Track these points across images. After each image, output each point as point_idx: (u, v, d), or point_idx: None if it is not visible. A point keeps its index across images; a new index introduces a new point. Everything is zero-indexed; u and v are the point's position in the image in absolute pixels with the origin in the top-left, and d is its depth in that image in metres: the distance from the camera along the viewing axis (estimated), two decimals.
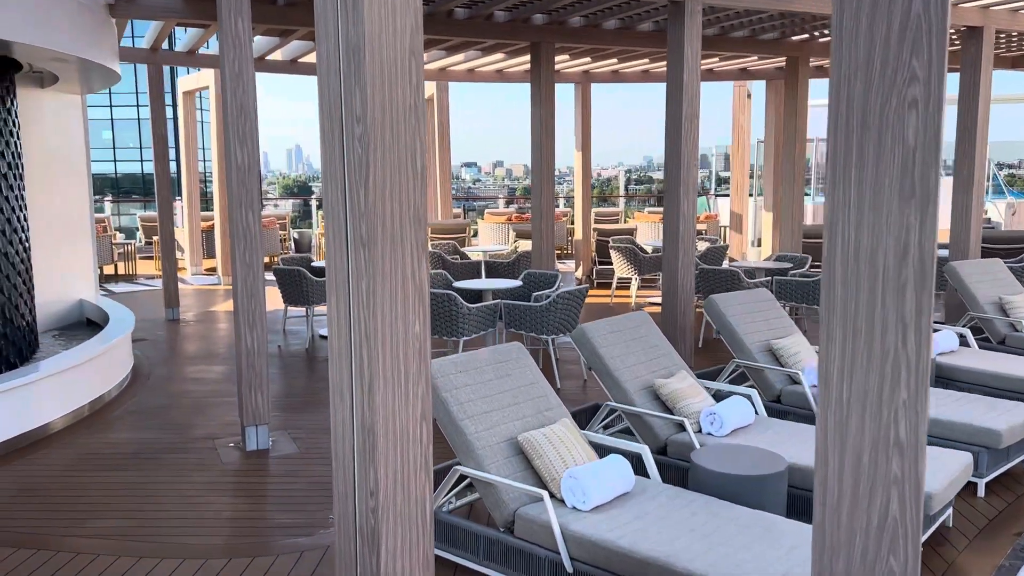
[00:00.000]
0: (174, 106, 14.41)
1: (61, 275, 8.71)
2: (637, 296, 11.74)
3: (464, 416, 3.86)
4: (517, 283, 7.93)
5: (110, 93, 69.14)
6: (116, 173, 70.87)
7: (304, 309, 9.85)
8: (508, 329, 7.34)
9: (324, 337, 9.23)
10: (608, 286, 12.63)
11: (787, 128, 10.95)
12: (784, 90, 11.35)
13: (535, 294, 7.87)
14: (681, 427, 4.74)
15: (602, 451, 4.68)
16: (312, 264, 9.49)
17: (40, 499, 4.78)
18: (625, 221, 18.40)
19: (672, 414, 4.79)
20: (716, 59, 11.75)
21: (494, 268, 10.47)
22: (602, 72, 12.73)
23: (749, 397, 5.17)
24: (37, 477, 5.13)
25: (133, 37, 11.31)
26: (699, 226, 14.70)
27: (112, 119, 69.65)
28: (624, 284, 12.57)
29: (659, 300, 10.81)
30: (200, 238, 14.78)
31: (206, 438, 5.85)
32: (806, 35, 10.16)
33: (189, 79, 14.15)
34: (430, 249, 10.91)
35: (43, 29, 6.12)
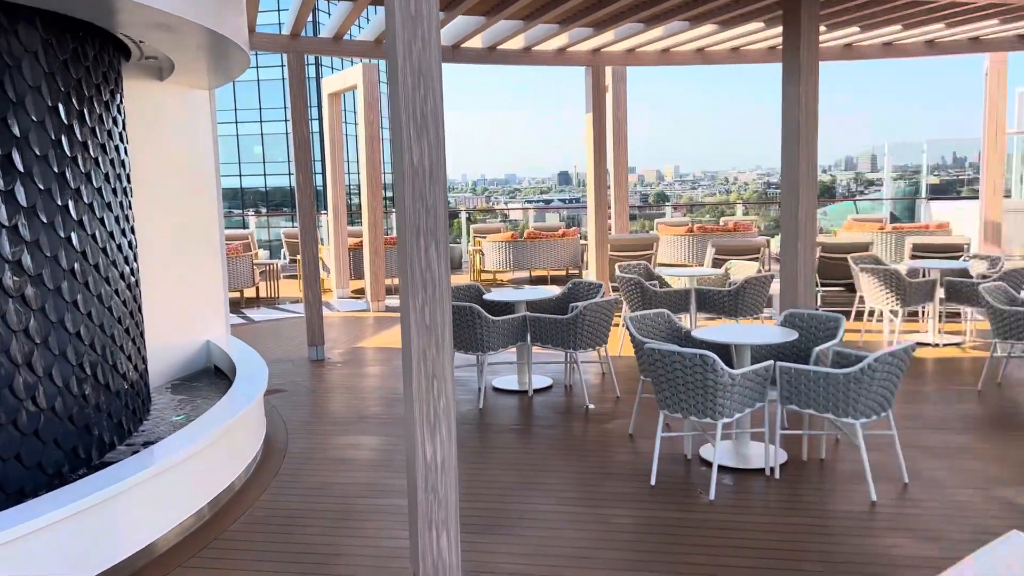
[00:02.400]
0: (319, 108, 12.94)
1: (182, 311, 7.06)
2: (902, 334, 9.05)
3: None
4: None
5: (260, 108, 71.36)
6: (266, 187, 73.01)
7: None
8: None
9: (502, 391, 7.18)
10: None
11: None
12: None
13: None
14: None
15: None
16: (485, 298, 7.44)
17: None
18: (834, 233, 15.53)
19: None
20: (898, 28, 8.90)
21: (708, 298, 8.10)
22: (871, 45, 10.11)
23: None
24: None
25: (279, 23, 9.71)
26: (927, 238, 11.73)
27: (262, 134, 71.83)
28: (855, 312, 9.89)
29: (958, 340, 8.15)
30: (347, 257, 13.20)
31: None
32: None
33: (334, 79, 12.58)
34: (618, 273, 8.69)
35: None
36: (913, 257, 10.04)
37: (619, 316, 10.35)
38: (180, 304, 7.02)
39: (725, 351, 5.57)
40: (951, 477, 4.89)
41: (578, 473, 5.14)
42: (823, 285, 10.50)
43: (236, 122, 73.18)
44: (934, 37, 9.85)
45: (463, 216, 18.61)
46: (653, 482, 4.92)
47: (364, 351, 9.05)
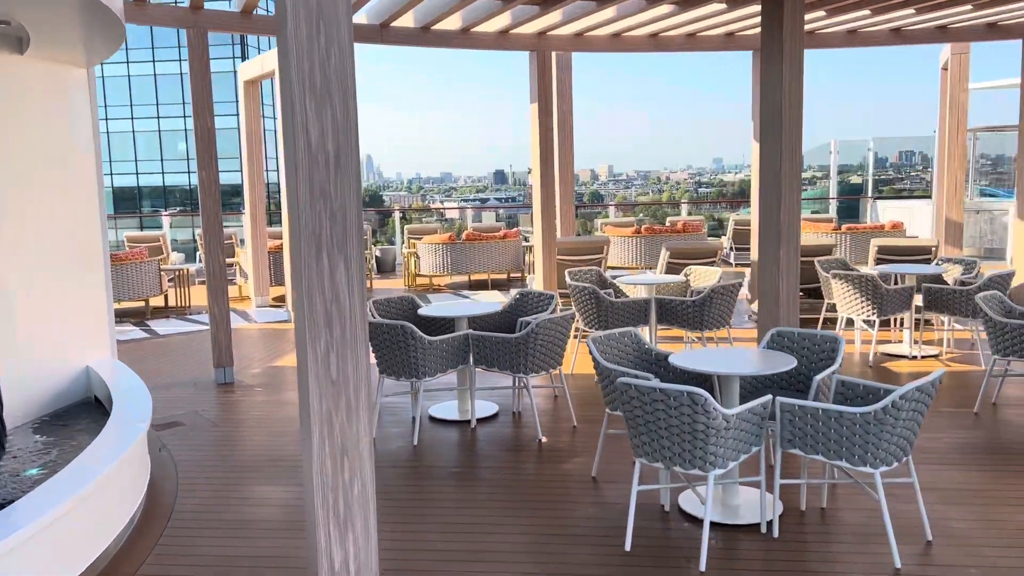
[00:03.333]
0: (236, 102, 11.73)
1: (53, 332, 5.87)
2: (879, 345, 8.38)
3: None
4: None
5: (184, 103, 68.52)
6: (190, 184, 70.11)
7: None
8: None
9: (440, 421, 6.18)
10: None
11: None
12: None
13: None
14: None
15: None
16: (420, 312, 6.42)
17: None
18: None
19: None
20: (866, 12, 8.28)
21: (670, 310, 7.26)
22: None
23: None
24: None
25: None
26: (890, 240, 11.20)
27: (186, 130, 68.97)
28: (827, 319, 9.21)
29: (936, 351, 7.42)
30: (267, 261, 11.99)
31: None
32: None
33: (251, 65, 11.37)
34: (569, 280, 7.80)
35: None
36: (879, 261, 9.41)
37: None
38: (50, 324, 5.83)
39: (704, 379, 4.69)
40: (981, 532, 4.09)
41: (535, 535, 4.19)
42: None
43: (158, 117, 70.26)
44: (901, 25, 9.23)
45: (397, 215, 17.49)
46: (628, 547, 4.00)
47: (283, 372, 7.93)
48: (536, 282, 9.27)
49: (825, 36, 9.45)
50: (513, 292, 6.82)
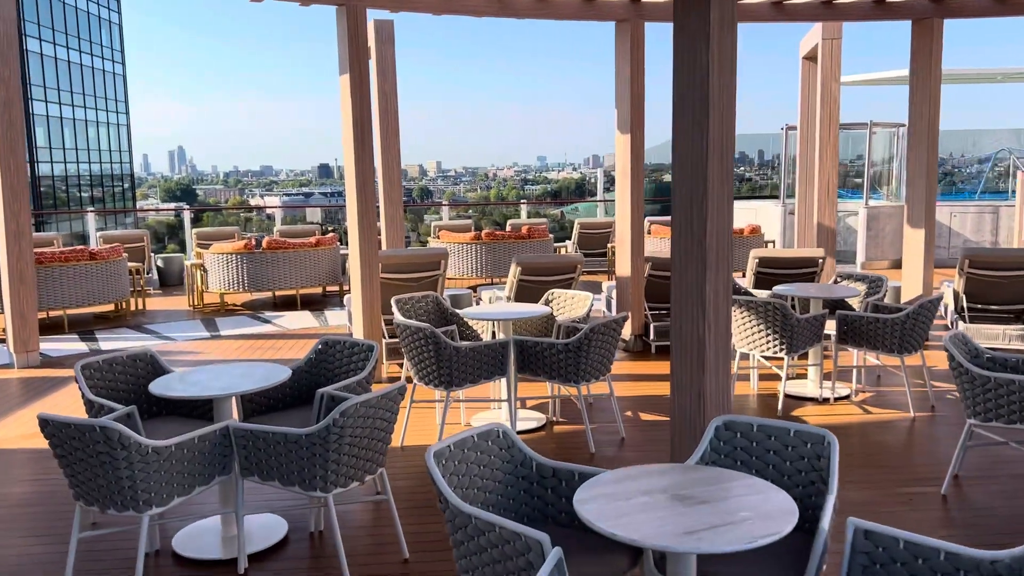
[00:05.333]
0: None
1: None
2: (790, 390, 6.86)
3: None
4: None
5: None
6: None
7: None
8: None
9: (189, 563, 3.87)
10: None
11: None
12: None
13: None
14: None
15: None
16: (153, 391, 4.05)
17: None
18: None
19: None
20: None
21: (536, 357, 5.36)
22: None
23: None
24: None
25: None
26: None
27: None
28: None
29: (846, 391, 5.82)
30: None
31: None
32: None
33: None
34: (398, 317, 5.78)
35: None
36: (760, 275, 7.97)
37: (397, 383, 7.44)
38: None
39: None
40: None
41: None
42: (651, 310, 8.18)
43: None
44: None
45: (187, 216, 14.55)
46: None
47: None
48: (354, 308, 7.06)
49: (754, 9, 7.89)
50: (315, 345, 4.65)
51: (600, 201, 18.34)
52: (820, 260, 8.10)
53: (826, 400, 6.26)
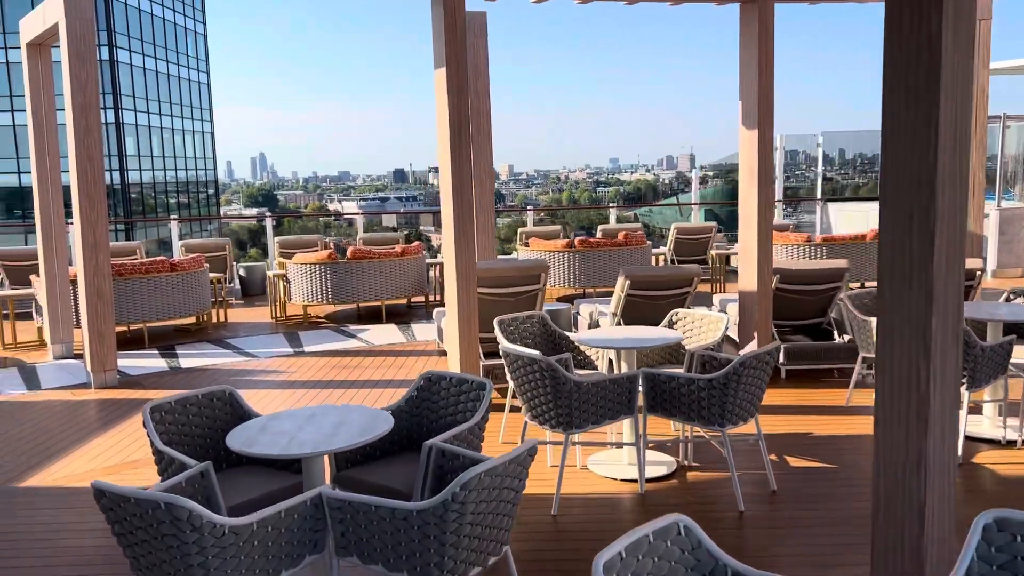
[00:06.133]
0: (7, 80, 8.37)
1: None
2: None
3: None
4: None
5: None
6: None
7: None
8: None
9: None
10: (802, 378, 6.74)
11: None
12: None
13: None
14: None
15: None
16: (232, 449, 3.39)
17: None
18: None
19: None
20: None
21: (670, 394, 4.54)
22: None
23: None
24: None
25: None
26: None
27: None
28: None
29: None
30: (69, 292, 8.66)
31: None
32: None
33: (32, 20, 8.00)
34: (504, 345, 5.05)
35: None
36: None
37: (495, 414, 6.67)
38: None
39: None
40: None
41: None
42: (780, 329, 7.25)
43: None
44: None
45: (268, 222, 14.20)
46: None
47: (38, 496, 4.76)
48: (447, 326, 6.37)
49: None
50: (416, 381, 3.95)
51: (671, 204, 17.28)
52: (977, 273, 7.04)
53: (1012, 443, 5.24)
